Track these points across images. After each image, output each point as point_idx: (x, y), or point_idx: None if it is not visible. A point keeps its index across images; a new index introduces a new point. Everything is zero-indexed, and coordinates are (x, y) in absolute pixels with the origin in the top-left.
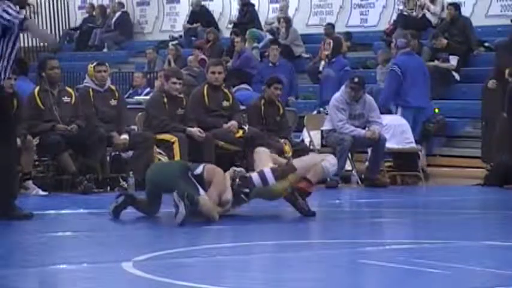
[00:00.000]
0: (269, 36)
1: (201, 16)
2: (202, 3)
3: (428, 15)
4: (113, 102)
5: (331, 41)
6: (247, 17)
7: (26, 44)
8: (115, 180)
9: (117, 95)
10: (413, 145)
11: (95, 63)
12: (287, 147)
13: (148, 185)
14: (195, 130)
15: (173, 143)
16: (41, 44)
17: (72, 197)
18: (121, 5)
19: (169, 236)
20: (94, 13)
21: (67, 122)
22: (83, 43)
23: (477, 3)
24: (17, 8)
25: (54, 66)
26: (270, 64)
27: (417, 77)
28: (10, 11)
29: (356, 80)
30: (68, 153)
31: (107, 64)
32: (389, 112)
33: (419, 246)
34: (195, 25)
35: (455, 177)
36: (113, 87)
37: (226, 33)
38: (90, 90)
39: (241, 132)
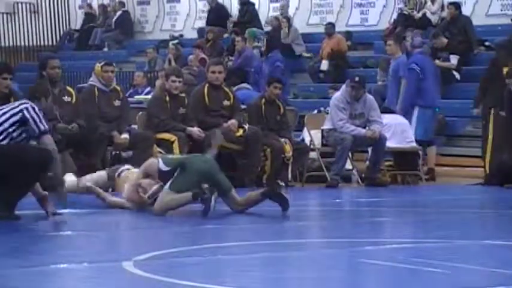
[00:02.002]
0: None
1: (218, 14)
2: (203, 3)
3: (428, 14)
4: (117, 102)
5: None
6: (248, 16)
7: (26, 43)
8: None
9: (121, 95)
10: (414, 144)
11: (102, 63)
12: (287, 147)
13: (192, 175)
14: (194, 130)
15: (173, 142)
16: (41, 44)
17: (73, 196)
18: (122, 4)
19: (169, 236)
20: (92, 12)
21: (67, 121)
22: (83, 42)
23: (477, 2)
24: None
25: (55, 65)
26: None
27: (433, 77)
28: (36, 111)
29: (357, 79)
30: (69, 152)
31: (114, 64)
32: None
33: (420, 245)
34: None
35: (456, 177)
36: (118, 87)
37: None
38: (96, 89)
39: (241, 131)
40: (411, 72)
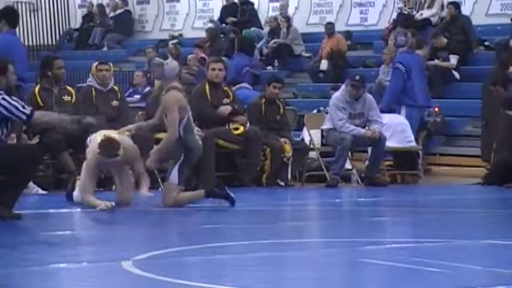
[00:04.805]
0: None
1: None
2: (203, 2)
3: (427, 15)
4: (115, 102)
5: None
6: (247, 16)
7: (26, 43)
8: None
9: (119, 95)
10: (413, 144)
11: (97, 62)
12: (287, 147)
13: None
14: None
15: None
16: (41, 43)
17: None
18: (124, 2)
19: (169, 235)
20: (92, 11)
21: None
22: (82, 42)
23: (477, 2)
24: (19, 102)
25: (61, 66)
26: None
27: (420, 75)
28: (12, 102)
29: (357, 77)
30: (68, 152)
31: (110, 64)
32: (392, 111)
33: (419, 245)
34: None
35: (455, 176)
36: (116, 87)
37: None
38: (93, 89)
39: (242, 128)
40: (396, 72)
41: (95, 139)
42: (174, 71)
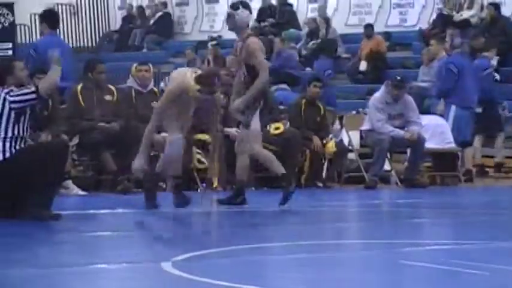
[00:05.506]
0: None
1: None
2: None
3: (466, 15)
4: (154, 104)
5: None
6: (285, 17)
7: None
8: None
9: (158, 97)
10: (453, 145)
11: (137, 63)
12: (331, 144)
13: None
14: (232, 130)
15: (209, 143)
16: (81, 45)
17: (112, 197)
18: (164, 5)
19: (208, 236)
20: (132, 13)
21: (107, 121)
22: (122, 43)
23: None
24: (21, 89)
25: (102, 70)
26: None
27: (472, 77)
28: (20, 92)
29: (399, 78)
30: (109, 152)
31: (149, 64)
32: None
33: (459, 246)
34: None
35: (497, 178)
36: (156, 89)
37: None
38: (133, 90)
39: (282, 127)
40: (448, 73)
41: (180, 74)
42: (246, 19)
